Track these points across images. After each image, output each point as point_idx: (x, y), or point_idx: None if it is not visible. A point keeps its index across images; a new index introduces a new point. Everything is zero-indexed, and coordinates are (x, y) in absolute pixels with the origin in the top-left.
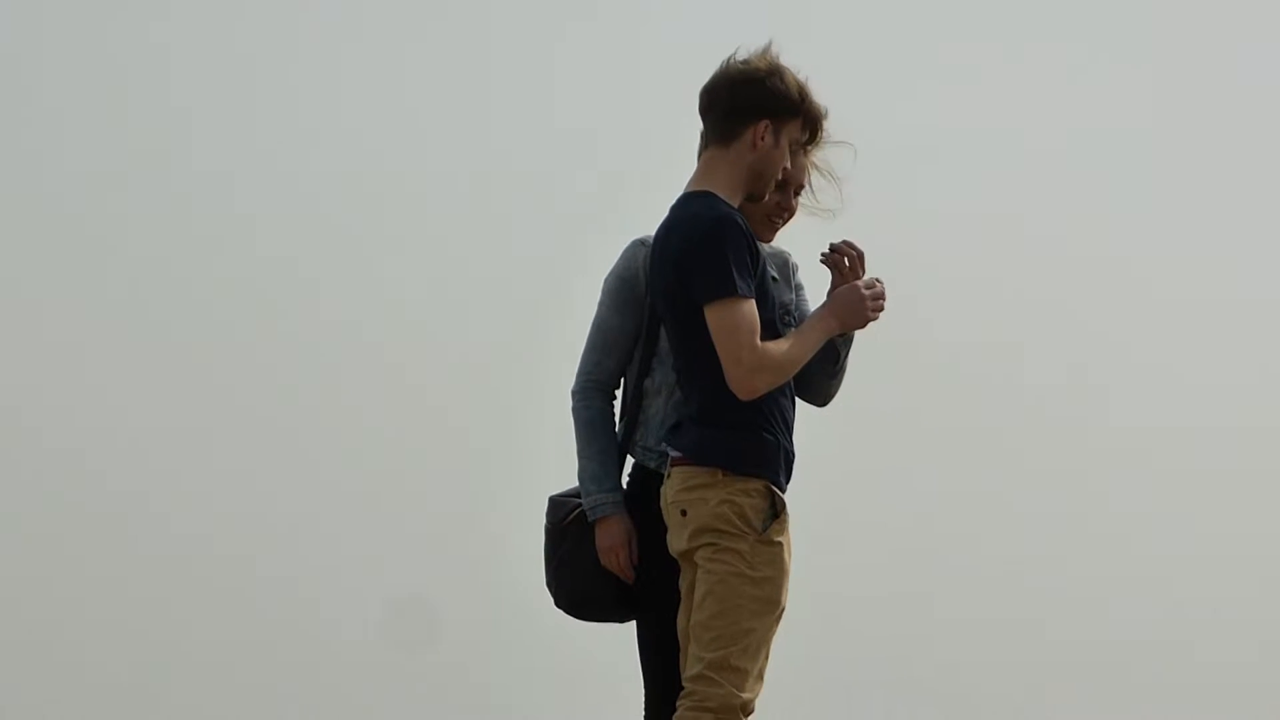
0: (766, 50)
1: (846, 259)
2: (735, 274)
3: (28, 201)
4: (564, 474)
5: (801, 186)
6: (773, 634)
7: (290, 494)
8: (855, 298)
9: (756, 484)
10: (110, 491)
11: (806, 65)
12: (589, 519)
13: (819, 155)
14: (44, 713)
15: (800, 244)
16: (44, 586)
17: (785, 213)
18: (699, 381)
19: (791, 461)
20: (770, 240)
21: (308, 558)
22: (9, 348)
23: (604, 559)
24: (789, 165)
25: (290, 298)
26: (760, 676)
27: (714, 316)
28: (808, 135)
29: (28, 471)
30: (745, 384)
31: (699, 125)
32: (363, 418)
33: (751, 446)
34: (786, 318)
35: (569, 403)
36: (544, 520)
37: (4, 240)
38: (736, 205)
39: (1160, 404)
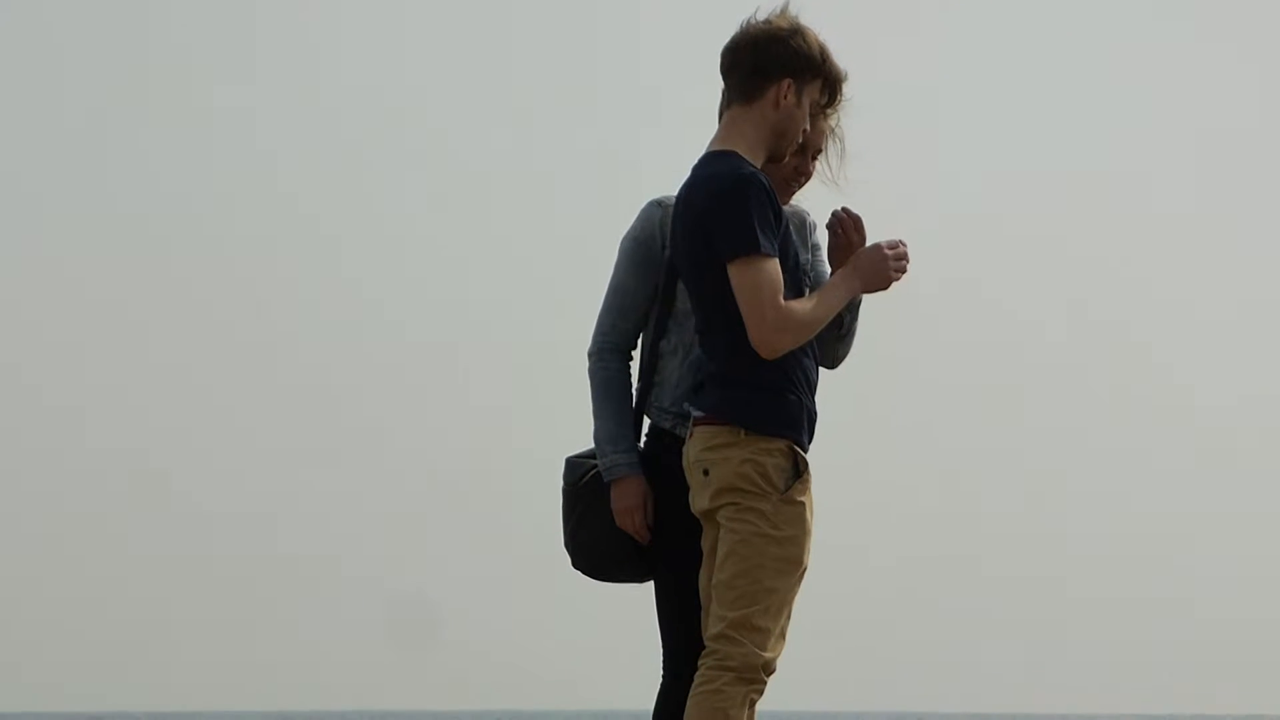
0: (786, 9)
1: (841, 225)
2: (759, 232)
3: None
4: (581, 437)
5: (819, 151)
6: (795, 594)
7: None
8: (878, 258)
9: (779, 443)
10: (111, 492)
11: (822, 26)
12: (605, 480)
13: (836, 121)
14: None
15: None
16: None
17: (802, 176)
18: (721, 341)
19: (814, 421)
20: (786, 204)
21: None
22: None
23: (620, 520)
24: (808, 127)
25: (289, 297)
26: (782, 636)
27: (738, 274)
28: (827, 97)
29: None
30: (768, 342)
31: (719, 86)
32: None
33: (774, 406)
34: (804, 277)
35: (585, 365)
36: (560, 481)
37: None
38: (759, 165)
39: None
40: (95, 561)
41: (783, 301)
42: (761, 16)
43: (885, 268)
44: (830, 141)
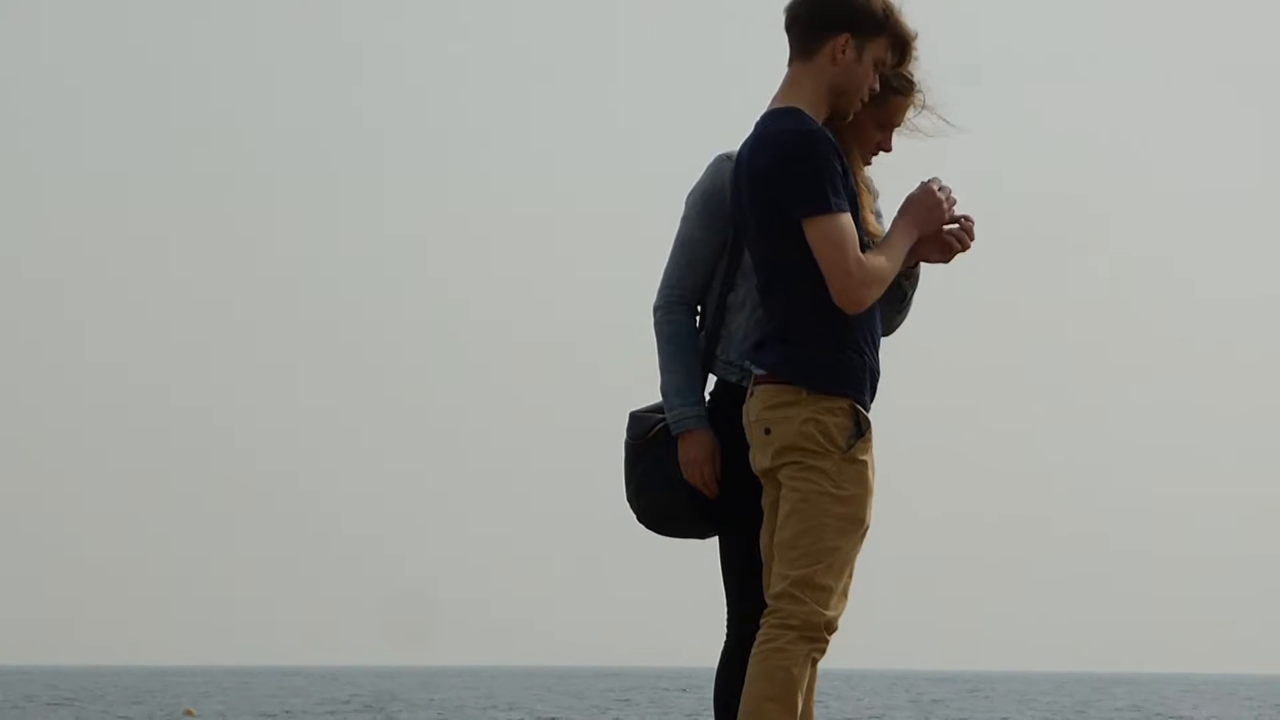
0: None
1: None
2: (829, 189)
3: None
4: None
5: (895, 126)
6: (857, 552)
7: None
8: (932, 202)
9: (841, 402)
10: (112, 493)
11: None
12: (672, 433)
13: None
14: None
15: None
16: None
17: (881, 151)
18: (783, 299)
19: (877, 379)
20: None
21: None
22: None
23: (687, 473)
24: (875, 86)
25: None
26: (845, 594)
27: (814, 233)
28: (897, 57)
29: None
30: (854, 297)
31: (784, 42)
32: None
33: (836, 365)
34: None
35: (651, 317)
36: (624, 436)
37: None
38: (821, 121)
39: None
40: (95, 560)
41: (863, 255)
42: None
43: (940, 209)
44: (914, 112)
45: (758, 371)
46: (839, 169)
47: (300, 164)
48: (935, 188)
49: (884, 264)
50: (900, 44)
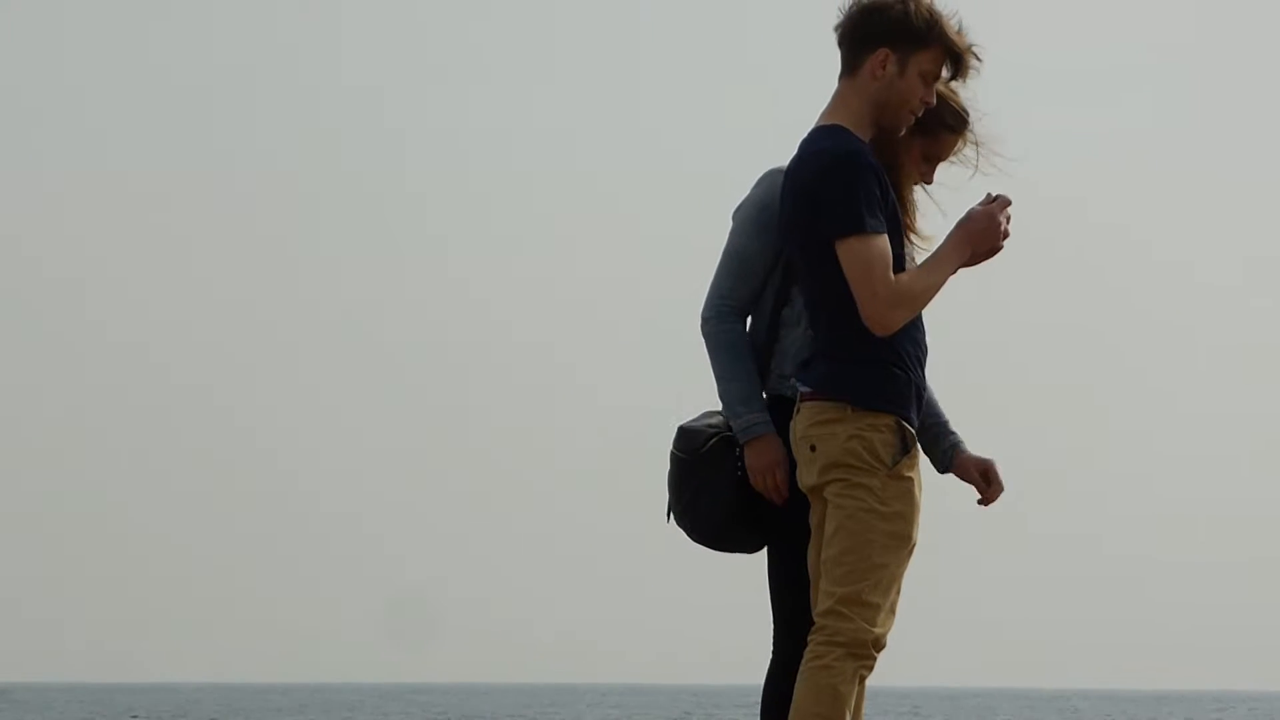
0: None
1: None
2: (864, 209)
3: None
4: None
5: (942, 160)
6: (904, 569)
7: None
8: (991, 224)
9: (886, 419)
10: (115, 497)
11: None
12: (740, 440)
13: (971, 131)
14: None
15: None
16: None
17: (922, 183)
18: (827, 316)
19: (923, 396)
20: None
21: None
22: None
23: (757, 479)
24: (930, 100)
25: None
26: (892, 611)
27: (846, 252)
28: (952, 69)
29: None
30: (882, 319)
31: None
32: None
33: (881, 381)
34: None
35: (700, 328)
36: (672, 450)
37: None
38: (867, 139)
39: None
40: (96, 558)
41: (893, 277)
42: None
43: (997, 232)
44: (963, 145)
45: (803, 389)
46: (876, 190)
47: (314, 163)
48: (998, 209)
49: (919, 284)
50: (952, 56)
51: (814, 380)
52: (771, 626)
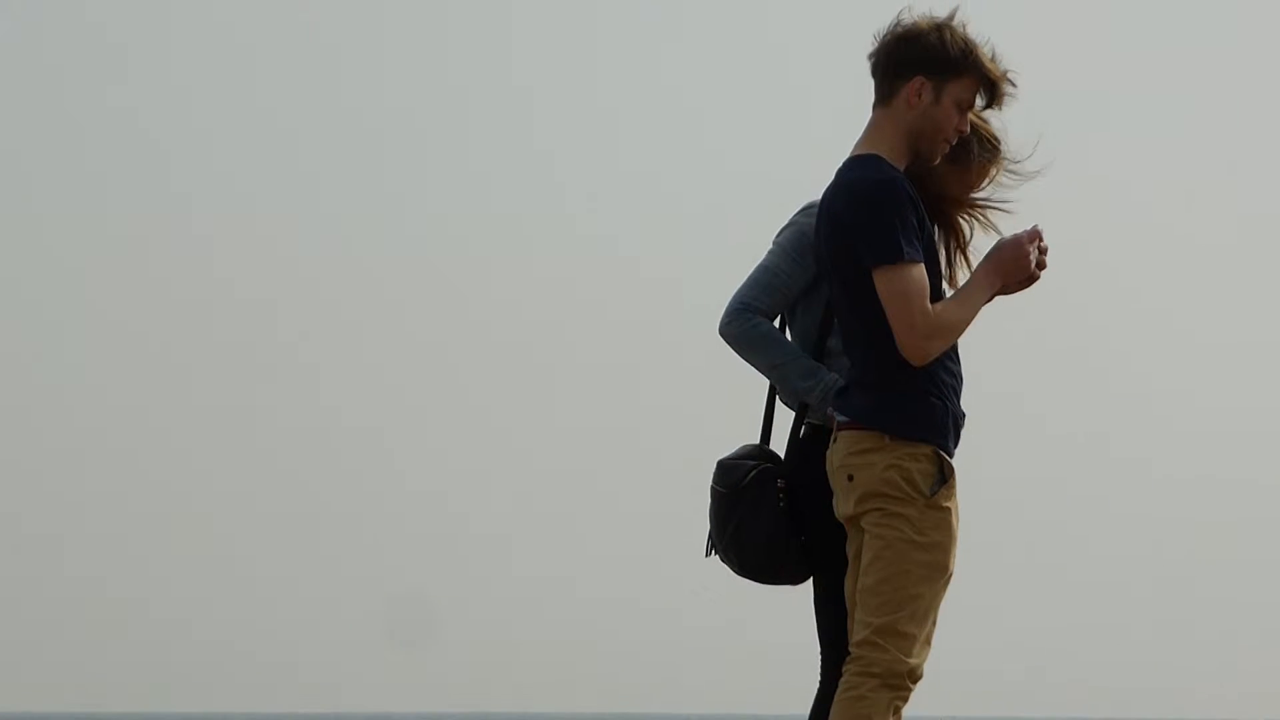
0: (952, 14)
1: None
2: (901, 239)
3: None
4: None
5: (975, 189)
6: (940, 599)
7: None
8: (1020, 254)
9: (924, 449)
10: (106, 493)
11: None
12: (829, 408)
13: (997, 165)
14: None
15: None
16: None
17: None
18: (864, 345)
19: (960, 425)
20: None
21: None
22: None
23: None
24: (964, 128)
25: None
26: (928, 641)
27: (883, 282)
28: (987, 98)
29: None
30: (919, 349)
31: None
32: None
33: (918, 411)
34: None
35: (721, 330)
36: (713, 485)
37: None
38: (902, 167)
39: None
40: (91, 561)
41: (930, 307)
42: (911, 15)
43: (1027, 262)
44: (995, 171)
45: (840, 418)
46: (913, 219)
47: (324, 165)
48: (1026, 239)
49: (955, 314)
50: (987, 84)
51: (851, 410)
52: (820, 655)
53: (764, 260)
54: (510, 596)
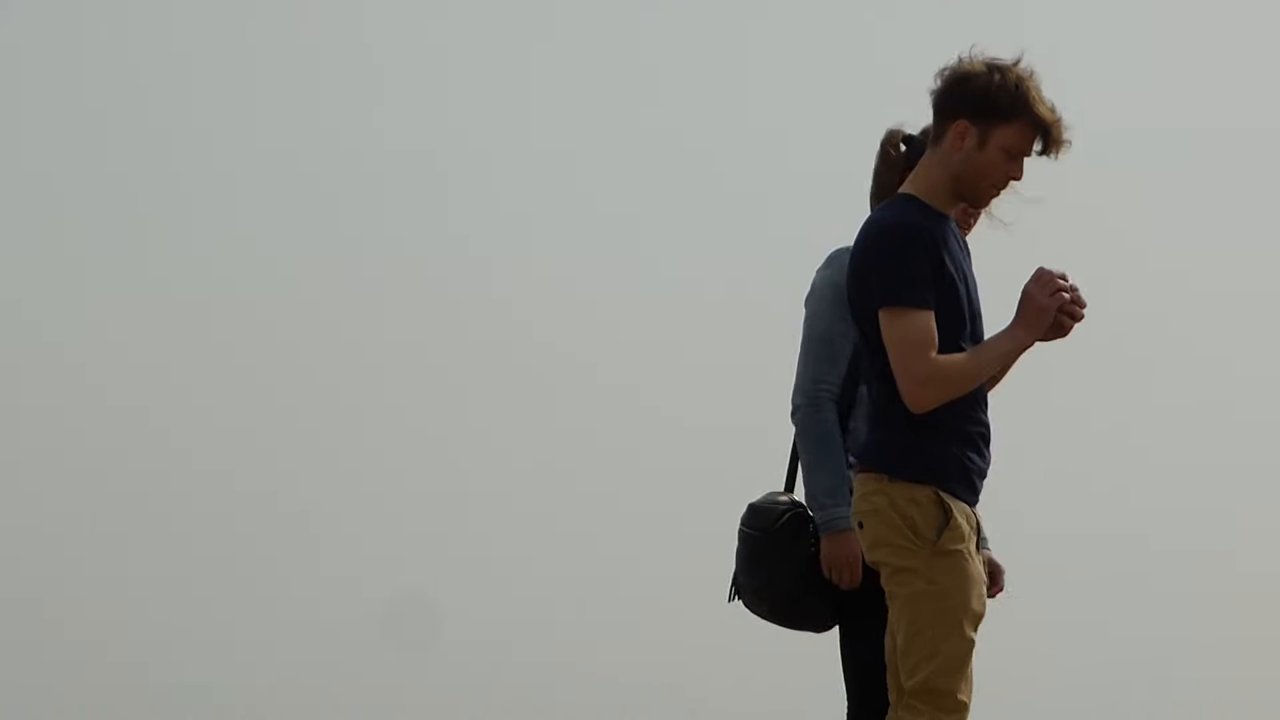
0: (1017, 58)
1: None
2: (911, 283)
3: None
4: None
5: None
6: (971, 643)
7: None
8: (1039, 302)
9: (925, 491)
10: (113, 498)
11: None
12: (821, 532)
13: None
14: None
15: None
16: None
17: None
18: (875, 387)
19: (975, 474)
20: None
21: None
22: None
23: (834, 571)
24: (1018, 176)
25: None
26: (968, 683)
27: (886, 324)
28: (1043, 146)
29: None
30: (914, 396)
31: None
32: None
33: (919, 451)
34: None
35: (791, 415)
36: (742, 528)
37: None
38: (947, 211)
39: None
40: (90, 561)
41: (932, 355)
42: (971, 56)
43: (1049, 314)
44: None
45: (852, 459)
46: (928, 263)
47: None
48: (1035, 288)
49: (960, 367)
50: (1042, 131)
51: (859, 450)
52: (845, 704)
53: (810, 328)
54: (512, 597)
